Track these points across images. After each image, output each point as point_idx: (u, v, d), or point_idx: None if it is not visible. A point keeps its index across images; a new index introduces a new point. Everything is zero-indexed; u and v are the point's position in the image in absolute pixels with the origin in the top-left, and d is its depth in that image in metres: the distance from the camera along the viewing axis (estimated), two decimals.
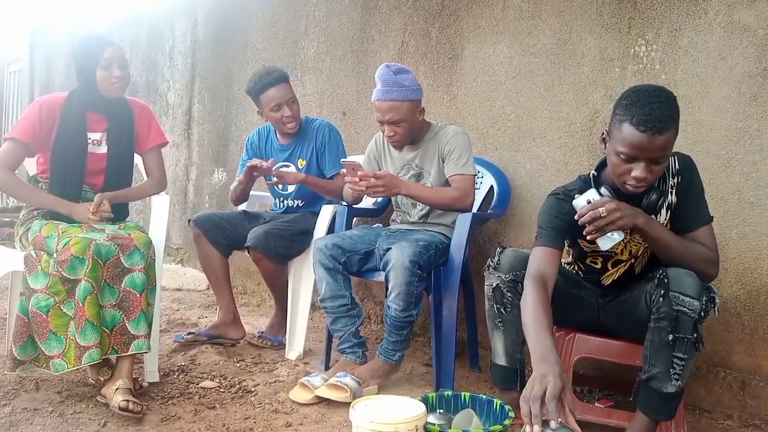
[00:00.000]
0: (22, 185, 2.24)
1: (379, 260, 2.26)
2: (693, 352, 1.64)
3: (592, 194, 1.65)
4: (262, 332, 2.78)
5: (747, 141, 2.09)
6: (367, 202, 2.79)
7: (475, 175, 2.35)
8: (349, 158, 2.27)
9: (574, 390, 1.95)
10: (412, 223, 2.46)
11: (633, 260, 1.88)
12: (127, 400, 1.88)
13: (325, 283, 2.28)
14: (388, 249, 2.21)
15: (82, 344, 1.90)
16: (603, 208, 1.59)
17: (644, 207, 1.71)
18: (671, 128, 1.59)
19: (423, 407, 1.66)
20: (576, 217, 1.64)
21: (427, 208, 2.40)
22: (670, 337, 1.63)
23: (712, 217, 1.76)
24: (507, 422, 1.71)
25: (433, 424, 1.69)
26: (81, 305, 1.91)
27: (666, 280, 1.65)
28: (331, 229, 2.61)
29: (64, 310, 1.94)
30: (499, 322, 1.91)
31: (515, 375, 1.97)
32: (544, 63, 2.57)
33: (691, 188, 1.76)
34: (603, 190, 1.71)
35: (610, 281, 1.94)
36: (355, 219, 2.71)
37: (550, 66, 2.55)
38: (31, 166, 2.37)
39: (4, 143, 2.21)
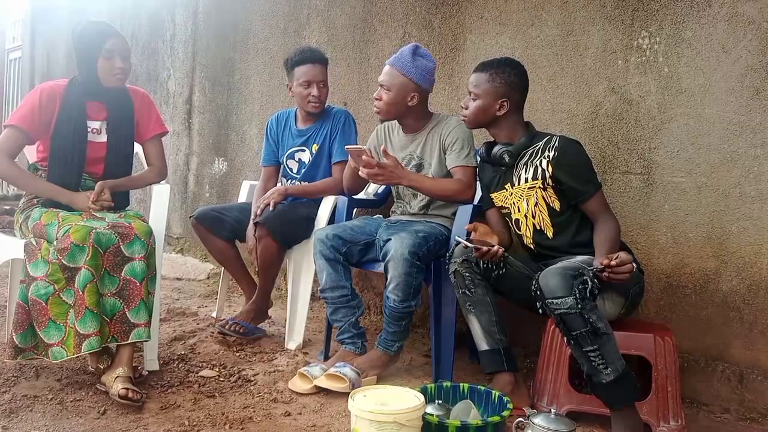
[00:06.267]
0: (22, 173, 2.23)
1: (379, 251, 2.26)
2: (598, 338, 1.67)
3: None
4: (235, 319, 2.66)
5: (749, 135, 2.09)
6: (368, 193, 2.79)
7: (477, 166, 2.34)
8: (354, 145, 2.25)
9: (572, 383, 1.96)
10: (413, 214, 2.45)
11: (526, 217, 2.08)
12: (127, 389, 1.89)
13: (325, 274, 2.28)
14: (388, 240, 2.20)
15: (81, 332, 1.90)
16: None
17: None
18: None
19: (422, 398, 1.67)
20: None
21: (428, 199, 2.39)
22: (570, 339, 1.70)
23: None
24: (505, 413, 1.72)
25: (432, 415, 1.70)
26: (81, 293, 1.91)
27: (539, 292, 1.73)
28: (331, 220, 2.61)
29: (64, 298, 1.94)
30: (469, 305, 2.01)
31: (500, 355, 2.00)
32: (546, 55, 2.56)
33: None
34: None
35: (532, 244, 2.10)
36: (355, 210, 2.71)
37: (552, 58, 2.54)
38: (31, 154, 2.36)
39: (4, 130, 2.20)
